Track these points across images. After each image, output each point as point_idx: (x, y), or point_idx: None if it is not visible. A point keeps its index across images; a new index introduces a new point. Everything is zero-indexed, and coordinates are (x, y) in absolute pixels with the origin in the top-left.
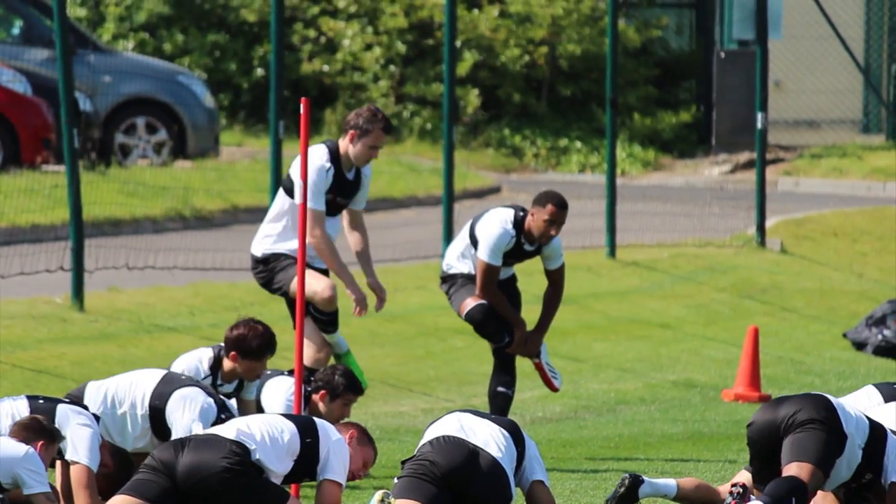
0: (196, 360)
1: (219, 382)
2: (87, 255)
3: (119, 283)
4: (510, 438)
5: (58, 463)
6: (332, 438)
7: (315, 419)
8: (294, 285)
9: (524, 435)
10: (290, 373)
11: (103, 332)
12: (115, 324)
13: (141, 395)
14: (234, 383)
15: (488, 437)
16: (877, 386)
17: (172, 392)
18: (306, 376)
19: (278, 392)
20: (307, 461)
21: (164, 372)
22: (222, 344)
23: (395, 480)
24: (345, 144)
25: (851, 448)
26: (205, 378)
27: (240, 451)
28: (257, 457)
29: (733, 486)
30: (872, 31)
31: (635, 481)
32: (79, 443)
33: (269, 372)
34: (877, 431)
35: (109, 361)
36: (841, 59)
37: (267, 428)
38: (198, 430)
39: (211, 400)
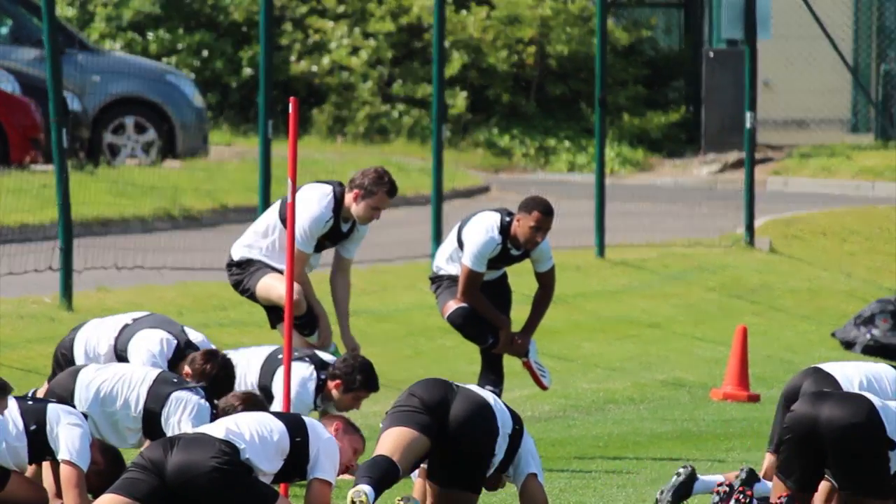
0: (157, 346)
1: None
2: (76, 254)
3: (108, 282)
4: (508, 413)
5: (46, 463)
6: (323, 437)
7: (305, 418)
8: (260, 288)
9: (525, 429)
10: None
11: None
12: None
13: (135, 396)
14: None
15: (481, 390)
16: None
17: (169, 395)
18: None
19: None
20: (297, 460)
21: (157, 372)
22: (188, 339)
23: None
24: (349, 200)
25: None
26: None
27: (229, 450)
28: (246, 456)
29: (719, 485)
30: (861, 31)
31: (692, 475)
32: (69, 442)
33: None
34: None
35: None
36: (830, 58)
37: (256, 427)
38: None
39: (205, 402)
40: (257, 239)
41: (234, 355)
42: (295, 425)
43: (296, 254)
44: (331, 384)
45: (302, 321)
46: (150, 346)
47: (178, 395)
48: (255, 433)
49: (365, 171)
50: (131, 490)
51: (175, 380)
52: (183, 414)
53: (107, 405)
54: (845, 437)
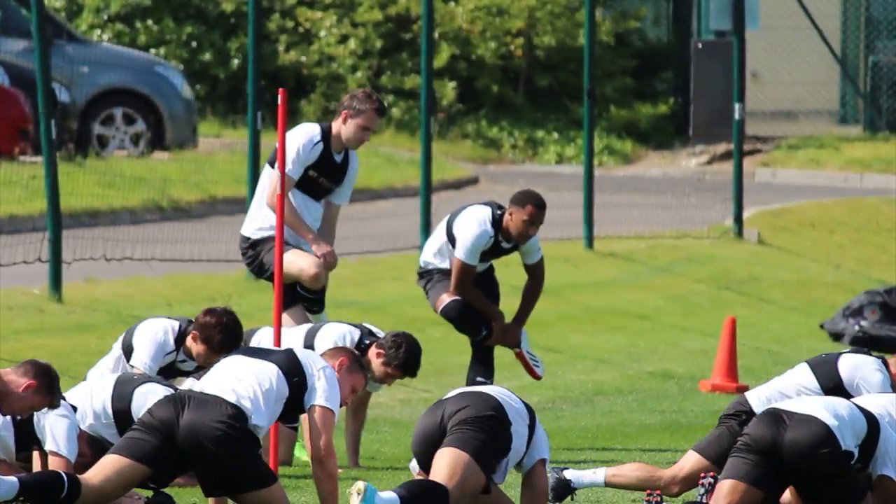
0: (162, 331)
1: (181, 359)
2: (65, 246)
3: (97, 274)
4: (523, 404)
5: (36, 454)
6: (317, 366)
7: (298, 354)
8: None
9: (536, 416)
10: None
11: (81, 324)
12: (93, 315)
13: (101, 404)
14: (195, 363)
15: (496, 389)
16: (810, 365)
17: (133, 391)
18: None
19: (329, 338)
20: (297, 398)
21: (115, 375)
22: (190, 319)
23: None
24: (337, 126)
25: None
26: (169, 353)
27: (238, 414)
28: (254, 423)
29: (703, 477)
30: (849, 22)
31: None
32: (57, 433)
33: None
34: (872, 426)
35: (87, 353)
36: (818, 49)
37: (257, 383)
38: None
39: (170, 390)
40: (261, 205)
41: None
42: (290, 365)
43: (279, 177)
44: (373, 350)
45: (316, 296)
46: (155, 330)
47: (142, 389)
48: (258, 391)
49: (353, 93)
50: (133, 451)
51: (135, 377)
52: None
53: (82, 422)
54: (804, 464)
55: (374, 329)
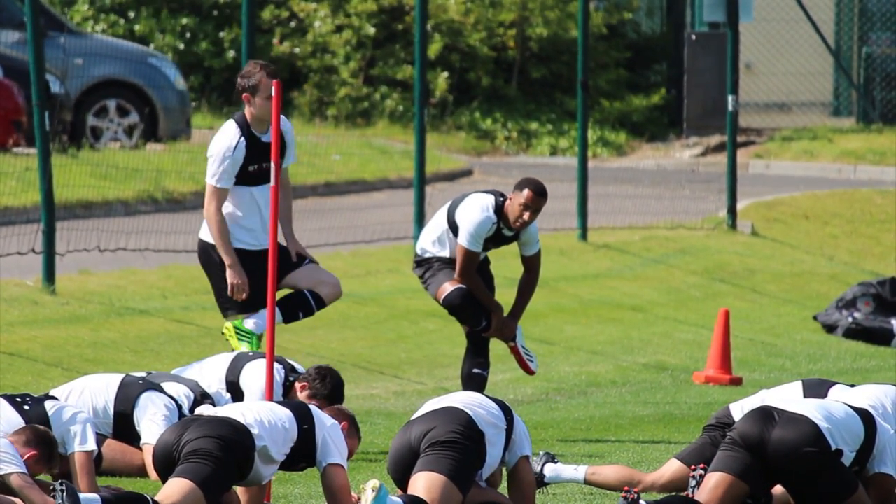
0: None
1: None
2: (59, 237)
3: (90, 265)
4: (498, 406)
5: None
6: (328, 424)
7: (309, 406)
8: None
9: (514, 414)
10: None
11: (75, 315)
12: (87, 307)
13: (103, 403)
14: None
15: (466, 398)
16: (804, 384)
17: (138, 396)
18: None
19: (260, 376)
20: (304, 447)
21: (119, 377)
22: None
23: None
24: (249, 111)
25: (846, 459)
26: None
27: (245, 430)
28: (263, 443)
29: (693, 469)
30: (843, 14)
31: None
32: (79, 432)
33: (250, 353)
34: (868, 428)
35: (81, 345)
36: (811, 41)
37: (268, 416)
38: (163, 427)
39: (171, 401)
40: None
41: (190, 370)
42: (301, 413)
43: (210, 189)
44: (298, 386)
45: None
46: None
47: (147, 396)
48: (265, 421)
49: (241, 74)
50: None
51: (140, 381)
52: (156, 414)
53: None
54: (789, 462)
55: (297, 365)
